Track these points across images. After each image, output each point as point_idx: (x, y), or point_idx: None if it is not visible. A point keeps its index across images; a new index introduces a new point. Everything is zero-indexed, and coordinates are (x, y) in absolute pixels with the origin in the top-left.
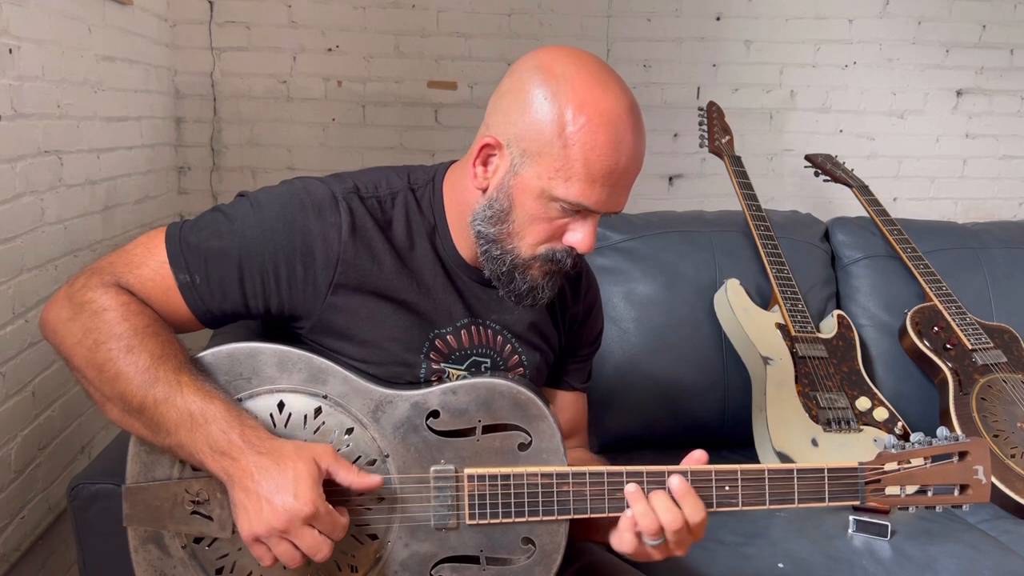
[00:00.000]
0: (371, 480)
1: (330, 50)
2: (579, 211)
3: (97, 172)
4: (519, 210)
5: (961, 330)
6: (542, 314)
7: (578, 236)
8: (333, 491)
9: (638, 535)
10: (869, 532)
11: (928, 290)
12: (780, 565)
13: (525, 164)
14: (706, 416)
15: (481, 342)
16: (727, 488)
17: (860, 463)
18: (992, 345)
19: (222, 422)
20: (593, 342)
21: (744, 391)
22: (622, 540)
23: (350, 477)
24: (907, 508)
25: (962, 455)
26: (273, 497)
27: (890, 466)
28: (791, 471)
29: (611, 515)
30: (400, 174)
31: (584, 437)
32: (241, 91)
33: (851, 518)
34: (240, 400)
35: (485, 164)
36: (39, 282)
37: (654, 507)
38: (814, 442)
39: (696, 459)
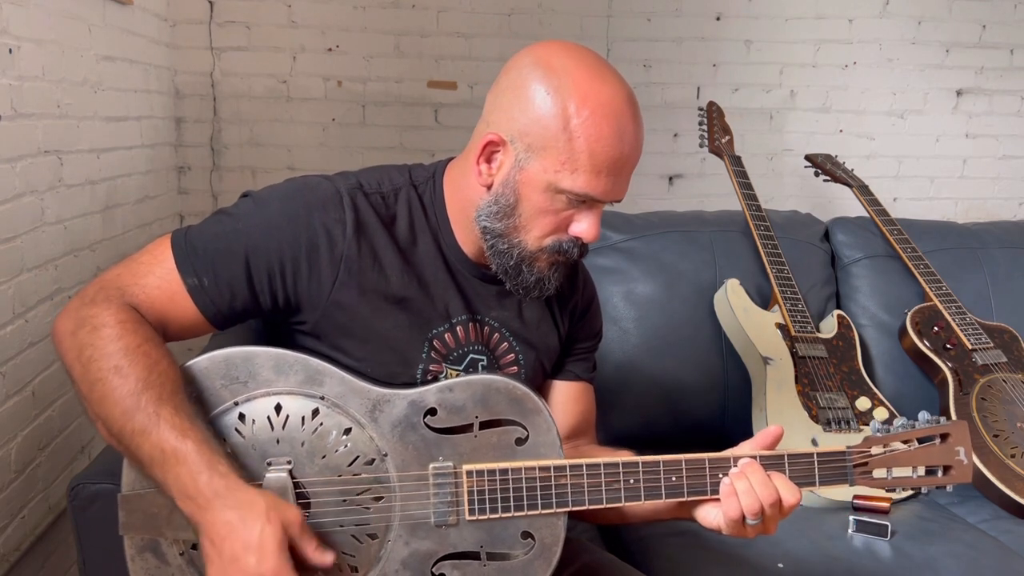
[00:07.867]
0: (327, 558)
1: (330, 50)
2: (584, 202)
3: (97, 172)
4: (525, 204)
5: (961, 330)
6: (542, 311)
7: (584, 226)
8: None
9: (739, 514)
10: (869, 532)
11: (928, 290)
12: (780, 565)
13: (531, 159)
14: (706, 416)
15: (478, 338)
16: (721, 475)
17: (848, 447)
18: (992, 345)
19: (192, 465)
20: (594, 336)
21: (744, 391)
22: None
23: (309, 553)
24: (894, 490)
25: (944, 437)
26: (239, 558)
27: (876, 450)
28: (782, 457)
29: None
30: (402, 171)
31: (593, 434)
32: (241, 91)
33: (851, 518)
34: (237, 403)
35: (489, 161)
36: (39, 282)
37: (753, 486)
38: (814, 442)
39: (769, 434)
